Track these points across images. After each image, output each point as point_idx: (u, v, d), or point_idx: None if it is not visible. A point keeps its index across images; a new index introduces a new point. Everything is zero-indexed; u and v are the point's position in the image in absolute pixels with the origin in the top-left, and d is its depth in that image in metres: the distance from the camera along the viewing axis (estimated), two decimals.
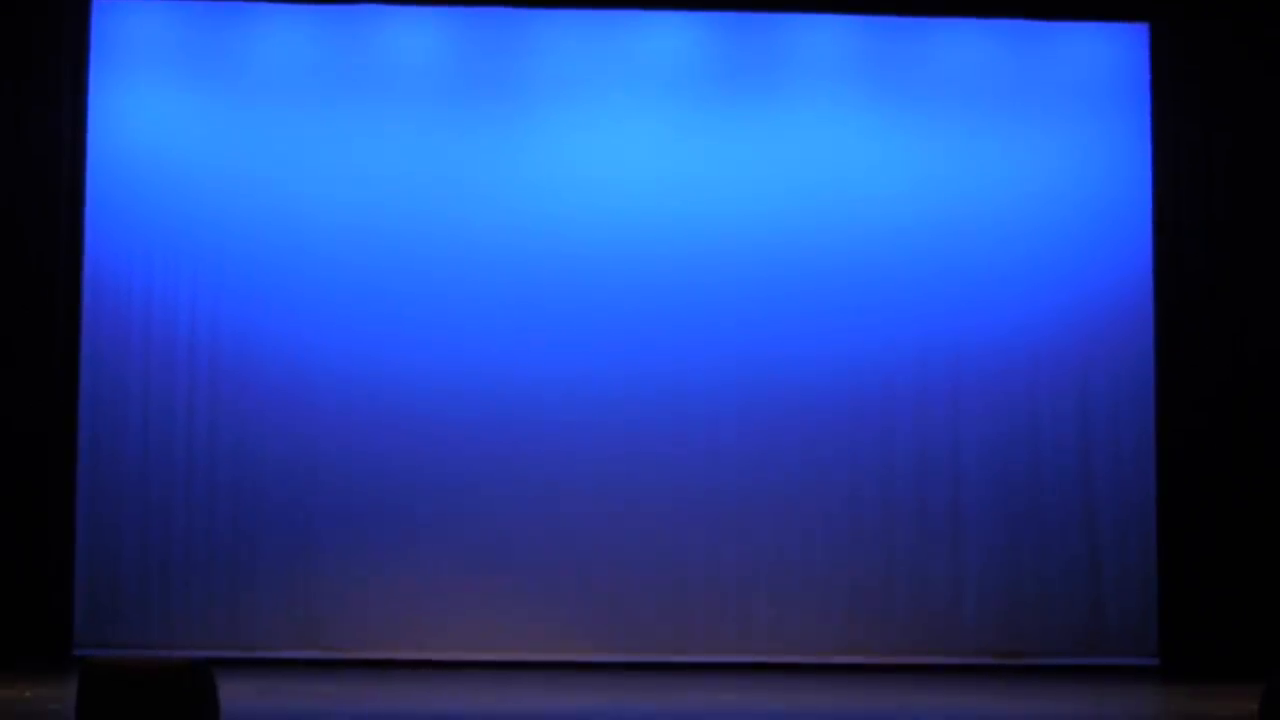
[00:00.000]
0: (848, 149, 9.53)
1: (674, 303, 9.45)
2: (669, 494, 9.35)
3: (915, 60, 9.57)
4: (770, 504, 9.36)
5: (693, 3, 9.42)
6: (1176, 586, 9.08)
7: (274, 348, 9.38)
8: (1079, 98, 9.56)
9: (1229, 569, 9.03)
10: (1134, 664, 9.16)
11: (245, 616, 9.26)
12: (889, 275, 9.46)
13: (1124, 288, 9.45)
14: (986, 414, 9.42)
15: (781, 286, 9.44)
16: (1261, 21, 9.27)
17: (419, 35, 9.58)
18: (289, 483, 9.32)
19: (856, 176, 9.50)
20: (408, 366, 9.38)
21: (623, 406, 9.38)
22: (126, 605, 9.25)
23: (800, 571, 9.34)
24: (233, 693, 6.54)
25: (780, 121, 9.54)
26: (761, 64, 9.58)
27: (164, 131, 9.44)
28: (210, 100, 9.48)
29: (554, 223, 9.44)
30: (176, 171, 9.41)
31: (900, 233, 9.46)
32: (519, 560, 9.31)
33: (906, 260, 9.46)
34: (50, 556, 8.99)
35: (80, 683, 6.10)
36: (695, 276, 9.45)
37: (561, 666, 9.01)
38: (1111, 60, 9.61)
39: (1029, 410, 9.44)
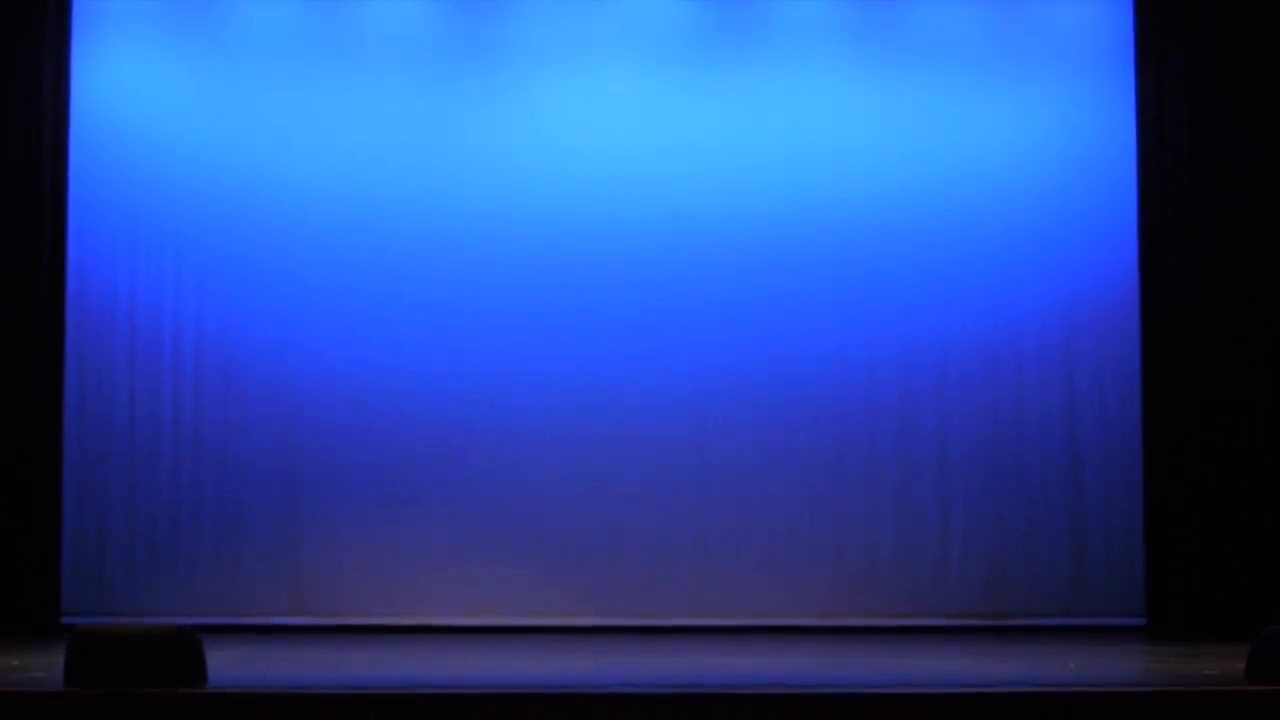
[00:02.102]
0: (833, 116, 9.53)
1: (660, 274, 9.44)
2: (656, 462, 9.36)
3: (900, 24, 9.55)
4: (756, 469, 9.37)
5: None
6: (1162, 547, 9.12)
7: (260, 322, 9.39)
8: (1064, 61, 9.54)
9: (1214, 528, 9.07)
10: (1120, 624, 9.21)
11: (233, 583, 9.27)
12: (874, 243, 9.47)
13: (1110, 254, 9.46)
14: (972, 379, 9.43)
15: (768, 253, 9.45)
16: None
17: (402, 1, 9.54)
18: (276, 449, 9.33)
19: (841, 144, 9.50)
20: (395, 340, 9.39)
21: (610, 380, 9.37)
22: (114, 573, 9.25)
23: (785, 535, 9.37)
24: (220, 659, 6.54)
25: (764, 85, 9.53)
26: (745, 29, 9.54)
27: (147, 103, 9.46)
28: (193, 71, 9.48)
29: (538, 194, 9.45)
30: (160, 145, 9.42)
31: (884, 197, 9.48)
32: (507, 526, 9.32)
33: (892, 228, 9.47)
34: (37, 525, 8.98)
35: (68, 650, 6.10)
36: (680, 245, 9.45)
37: (549, 631, 9.03)
38: (1096, 22, 9.58)
39: (1014, 373, 9.45)
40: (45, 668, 6.81)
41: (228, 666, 6.79)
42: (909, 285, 9.45)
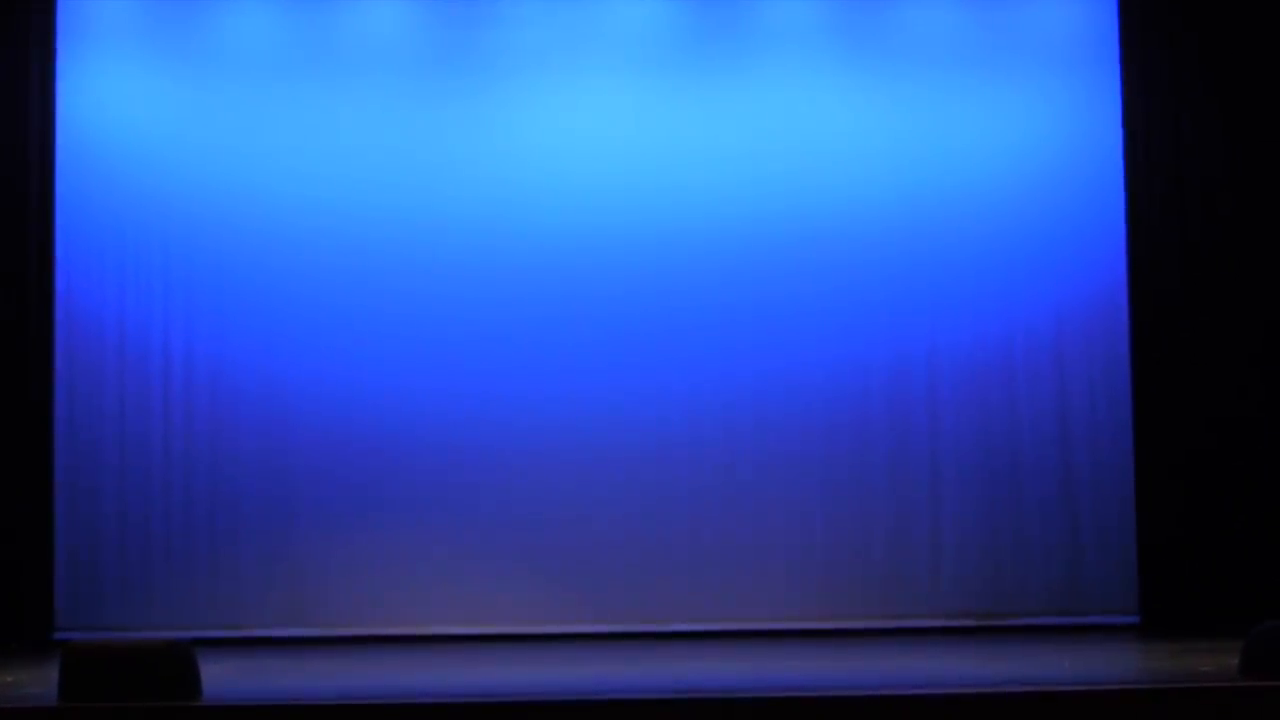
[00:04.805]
0: (818, 122, 9.51)
1: (651, 281, 9.42)
2: (651, 470, 9.34)
3: (885, 29, 9.55)
4: (751, 475, 9.37)
5: None
6: (1155, 544, 9.13)
7: (251, 335, 9.35)
8: (1048, 63, 9.55)
9: (1207, 525, 9.08)
10: (1115, 622, 9.21)
11: (227, 596, 9.24)
12: (864, 248, 9.46)
13: (1099, 255, 9.46)
14: (964, 380, 9.44)
15: (757, 260, 9.43)
16: None
17: (388, 10, 9.52)
18: (268, 461, 9.30)
19: (828, 150, 9.50)
20: (387, 352, 9.36)
21: (603, 389, 9.36)
22: (107, 588, 9.22)
23: (781, 539, 9.36)
24: (215, 672, 6.53)
25: (750, 90, 9.52)
26: (731, 32, 9.54)
27: (133, 119, 9.39)
28: (180, 86, 9.43)
29: (530, 206, 9.41)
30: (148, 160, 9.36)
31: (872, 203, 9.47)
32: (503, 534, 9.31)
33: (881, 232, 9.46)
34: (30, 540, 8.96)
35: (62, 666, 6.08)
36: (670, 253, 9.44)
37: (547, 639, 9.01)
38: (1081, 24, 9.59)
39: (1005, 374, 9.45)
40: (39, 684, 6.80)
41: (222, 679, 6.77)
42: (899, 289, 9.45)
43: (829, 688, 6.20)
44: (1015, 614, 9.30)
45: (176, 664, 6.06)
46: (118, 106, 9.40)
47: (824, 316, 9.43)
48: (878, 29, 9.54)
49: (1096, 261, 9.46)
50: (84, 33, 9.36)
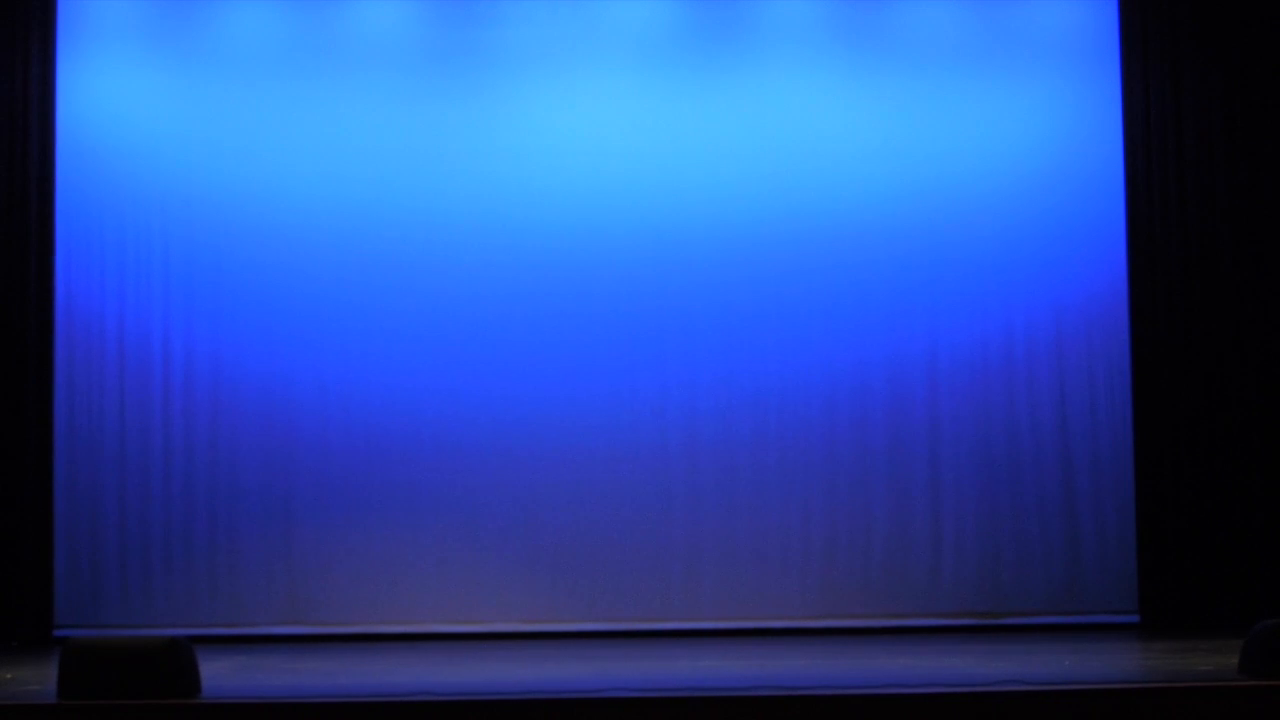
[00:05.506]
0: (818, 121, 9.54)
1: (650, 280, 9.42)
2: (649, 469, 9.35)
3: (886, 27, 9.55)
4: (749, 472, 9.37)
5: None
6: (1155, 544, 9.13)
7: (251, 334, 9.36)
8: (1049, 62, 9.55)
9: (1207, 524, 9.08)
10: (1114, 621, 9.21)
11: (227, 593, 9.25)
12: (863, 247, 9.47)
13: (1099, 255, 9.46)
14: (963, 380, 9.43)
15: (756, 258, 9.44)
16: None
17: (388, 8, 9.53)
18: (268, 459, 9.31)
19: (827, 149, 9.52)
20: (386, 350, 9.38)
21: (601, 388, 9.36)
22: (107, 585, 9.22)
23: (779, 538, 9.36)
24: (214, 669, 6.53)
25: (751, 88, 9.53)
26: (732, 31, 9.54)
27: (134, 117, 9.40)
28: (180, 85, 9.45)
29: (529, 205, 9.43)
30: (148, 159, 9.39)
31: (871, 202, 9.48)
32: (501, 533, 9.32)
33: (880, 231, 9.48)
34: (30, 537, 8.96)
35: (61, 662, 6.08)
36: (668, 252, 9.45)
37: (544, 637, 9.01)
38: (1081, 22, 9.59)
39: (1005, 373, 9.45)
40: (38, 680, 6.80)
41: (222, 677, 6.77)
42: (899, 289, 9.45)
43: (829, 687, 6.19)
44: (1015, 614, 9.30)
45: (176, 661, 6.06)
46: (118, 105, 9.41)
47: (823, 315, 9.44)
48: (878, 28, 9.55)
49: (1096, 261, 9.46)
50: (84, 31, 9.37)
